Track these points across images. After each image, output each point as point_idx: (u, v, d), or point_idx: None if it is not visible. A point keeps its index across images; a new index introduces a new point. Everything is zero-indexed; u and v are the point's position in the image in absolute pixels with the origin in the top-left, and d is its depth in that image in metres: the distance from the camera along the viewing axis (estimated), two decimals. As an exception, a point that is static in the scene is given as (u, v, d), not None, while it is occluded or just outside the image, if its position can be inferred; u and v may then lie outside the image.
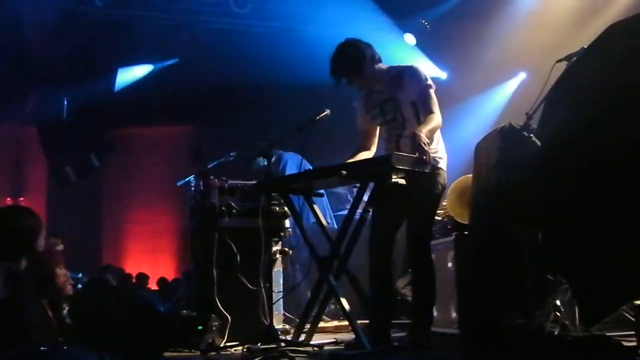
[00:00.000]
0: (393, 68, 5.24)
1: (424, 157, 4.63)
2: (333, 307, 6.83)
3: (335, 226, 7.23)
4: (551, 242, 4.75)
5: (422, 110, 5.00)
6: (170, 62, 10.51)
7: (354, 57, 5.16)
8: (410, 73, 5.13)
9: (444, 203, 5.95)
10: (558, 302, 5.01)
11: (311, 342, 5.09)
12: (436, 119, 4.96)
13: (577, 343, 4.46)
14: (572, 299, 4.90)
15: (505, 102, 9.87)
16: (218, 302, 5.55)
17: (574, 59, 4.55)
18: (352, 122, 5.53)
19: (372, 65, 5.18)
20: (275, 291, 5.76)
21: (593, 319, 4.35)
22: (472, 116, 9.38)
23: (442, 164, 5.12)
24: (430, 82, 5.08)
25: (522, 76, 10.14)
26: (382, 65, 5.24)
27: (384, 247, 5.10)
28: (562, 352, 4.32)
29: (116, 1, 9.18)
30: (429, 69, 10.18)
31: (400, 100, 5.10)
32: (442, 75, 10.52)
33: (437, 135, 5.09)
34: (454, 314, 5.77)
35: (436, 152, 5.03)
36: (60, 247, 6.90)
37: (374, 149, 5.39)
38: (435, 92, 5.10)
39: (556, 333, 4.89)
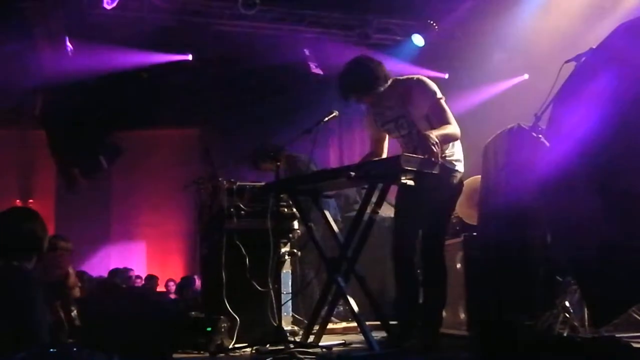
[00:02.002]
0: (399, 82, 5.15)
1: (432, 158, 4.62)
2: (342, 308, 6.83)
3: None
4: (560, 243, 4.75)
5: (437, 124, 4.92)
6: (182, 57, 10.48)
7: (365, 78, 5.08)
8: (418, 89, 5.04)
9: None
10: (567, 303, 5.00)
11: (320, 344, 5.10)
12: (451, 128, 4.93)
13: (586, 344, 4.45)
14: (581, 300, 4.89)
15: (512, 103, 9.84)
16: (227, 304, 5.55)
17: (583, 59, 4.54)
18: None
19: (384, 84, 5.10)
20: (284, 292, 5.76)
21: (602, 320, 4.35)
22: (478, 117, 9.36)
23: (459, 167, 5.10)
24: (439, 94, 5.01)
25: (528, 77, 10.14)
26: (389, 77, 5.17)
27: (405, 249, 5.10)
28: (571, 354, 4.31)
29: (123, 3, 9.20)
30: (433, 70, 10.24)
31: (413, 116, 5.04)
32: (444, 75, 10.55)
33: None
34: (462, 315, 5.76)
35: (452, 155, 5.02)
36: (69, 248, 6.93)
37: (384, 156, 5.38)
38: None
39: (565, 334, 4.88)
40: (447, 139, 4.89)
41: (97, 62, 9.89)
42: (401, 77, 5.21)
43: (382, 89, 5.10)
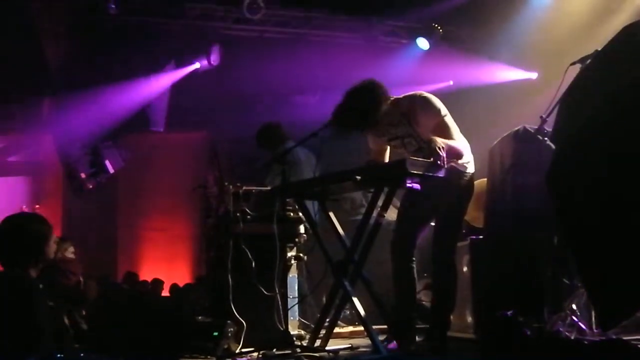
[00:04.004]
0: (401, 101, 5.10)
1: (438, 161, 4.61)
2: (348, 312, 6.82)
3: None
4: (567, 246, 4.74)
5: None
6: (191, 67, 10.51)
7: (365, 113, 4.99)
8: (422, 108, 4.99)
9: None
10: (574, 306, 4.98)
11: (327, 348, 5.10)
12: (457, 143, 4.93)
13: (593, 347, 4.44)
14: (589, 303, 4.88)
15: (518, 105, 9.83)
16: (233, 308, 5.55)
17: (588, 61, 4.53)
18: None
19: (384, 108, 5.04)
20: (291, 297, 5.76)
21: (610, 323, 4.33)
22: (484, 119, 9.35)
23: (470, 168, 5.09)
24: (444, 110, 4.98)
25: (534, 79, 10.11)
26: (390, 98, 5.11)
27: (402, 251, 5.09)
28: (579, 357, 4.30)
29: (129, 8, 9.21)
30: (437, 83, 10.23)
31: (420, 133, 5.01)
32: (449, 82, 10.55)
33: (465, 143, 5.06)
34: (469, 319, 5.76)
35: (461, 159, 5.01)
36: (71, 250, 6.95)
37: None
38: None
39: (572, 337, 4.86)
40: (453, 151, 4.85)
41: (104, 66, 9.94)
42: (402, 96, 5.14)
43: (382, 114, 5.04)
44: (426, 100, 5.03)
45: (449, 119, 4.98)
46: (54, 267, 5.61)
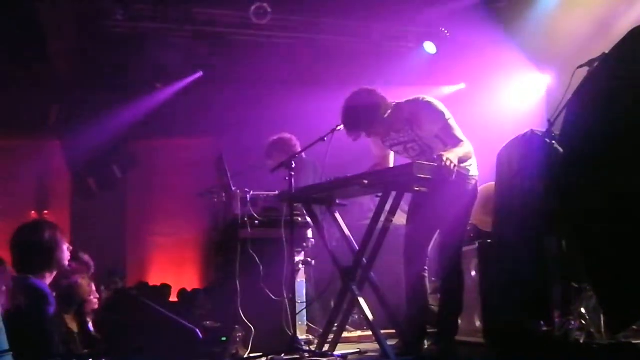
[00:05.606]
0: (404, 105, 5.11)
1: (448, 175, 4.59)
2: (356, 317, 6.82)
3: None
4: (576, 249, 4.72)
5: (449, 144, 4.90)
6: (196, 76, 10.56)
7: (367, 112, 5.01)
8: (425, 112, 5.00)
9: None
10: (583, 310, 4.96)
11: (335, 353, 5.09)
12: (463, 147, 4.91)
13: (603, 351, 4.42)
14: (598, 307, 4.86)
15: (525, 108, 9.81)
16: (241, 313, 5.55)
17: (596, 64, 4.52)
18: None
19: (387, 108, 5.05)
20: (299, 302, 5.75)
21: (619, 327, 4.31)
22: (492, 123, 9.33)
23: (473, 171, 5.09)
24: (446, 113, 4.98)
25: (545, 82, 10.06)
26: (391, 103, 5.12)
27: (416, 257, 5.09)
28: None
29: (136, 14, 9.23)
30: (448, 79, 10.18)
31: (424, 138, 5.03)
32: (461, 85, 10.51)
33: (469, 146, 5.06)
34: (477, 323, 5.74)
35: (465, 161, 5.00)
36: (87, 262, 6.93)
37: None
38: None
39: (582, 341, 4.84)
40: (462, 161, 4.85)
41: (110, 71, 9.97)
42: (404, 101, 5.14)
43: (386, 114, 5.05)
44: (429, 105, 5.02)
45: (453, 122, 4.98)
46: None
